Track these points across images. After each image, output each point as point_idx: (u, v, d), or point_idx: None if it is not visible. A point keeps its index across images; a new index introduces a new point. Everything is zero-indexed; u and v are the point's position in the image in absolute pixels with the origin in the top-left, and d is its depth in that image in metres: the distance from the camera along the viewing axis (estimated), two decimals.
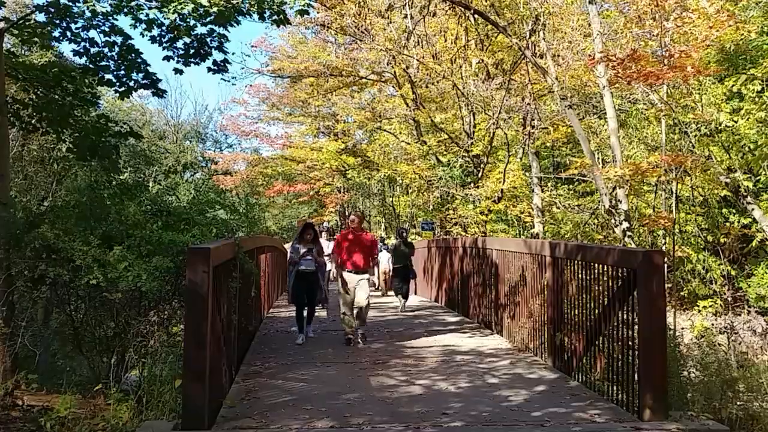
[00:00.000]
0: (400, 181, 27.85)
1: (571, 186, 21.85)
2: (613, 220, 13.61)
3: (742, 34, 12.42)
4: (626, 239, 12.48)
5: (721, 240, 14.39)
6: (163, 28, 9.10)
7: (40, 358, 7.18)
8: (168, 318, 7.09)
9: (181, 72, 9.80)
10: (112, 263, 6.64)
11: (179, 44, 9.37)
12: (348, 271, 8.84)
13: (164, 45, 9.34)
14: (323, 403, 5.81)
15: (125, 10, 8.61)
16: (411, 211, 28.65)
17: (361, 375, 7.00)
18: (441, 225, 23.16)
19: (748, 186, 13.59)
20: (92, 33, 9.27)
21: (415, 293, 16.18)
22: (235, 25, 8.90)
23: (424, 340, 9.22)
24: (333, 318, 11.31)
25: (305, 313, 9.23)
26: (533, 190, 20.57)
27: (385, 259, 15.23)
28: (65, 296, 7.37)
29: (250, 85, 33.58)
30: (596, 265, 6.24)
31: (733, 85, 13.25)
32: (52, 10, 8.77)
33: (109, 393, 5.73)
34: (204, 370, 4.98)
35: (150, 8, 8.61)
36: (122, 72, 9.64)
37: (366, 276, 8.93)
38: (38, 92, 9.70)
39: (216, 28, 9.13)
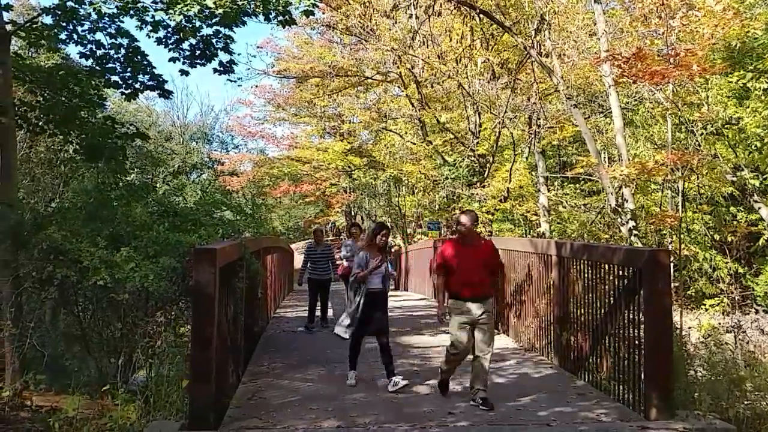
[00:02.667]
0: (406, 181, 27.83)
1: (577, 185, 21.81)
2: (619, 219, 13.57)
3: (748, 32, 12.36)
4: (632, 238, 12.44)
5: (729, 238, 14.31)
6: (169, 29, 9.16)
7: (48, 359, 7.22)
8: (175, 319, 7.12)
9: (187, 73, 9.86)
10: (119, 264, 6.68)
11: (185, 45, 9.42)
12: (463, 299, 5.86)
13: (170, 46, 9.39)
14: (329, 403, 5.83)
15: (131, 12, 8.66)
16: (417, 210, 28.64)
17: (367, 375, 7.00)
18: (447, 225, 23.16)
19: (754, 184, 13.54)
20: (98, 35, 9.36)
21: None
22: (240, 26, 8.94)
23: (431, 339, 9.21)
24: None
25: (355, 343, 6.87)
26: (539, 190, 20.53)
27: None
28: (73, 297, 7.41)
29: (256, 86, 33.80)
30: (602, 264, 6.23)
31: (738, 80, 13.20)
32: (59, 12, 8.83)
33: (117, 393, 5.77)
34: (210, 371, 5.00)
35: (156, 10, 8.65)
36: (128, 74, 9.70)
37: (488, 306, 5.88)
38: (45, 94, 9.75)
39: (221, 29, 9.17)
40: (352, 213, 38.26)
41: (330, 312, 11.79)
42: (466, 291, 5.83)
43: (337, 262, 10.58)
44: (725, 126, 13.78)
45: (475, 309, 5.80)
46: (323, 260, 10.34)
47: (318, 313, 10.40)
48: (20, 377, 6.88)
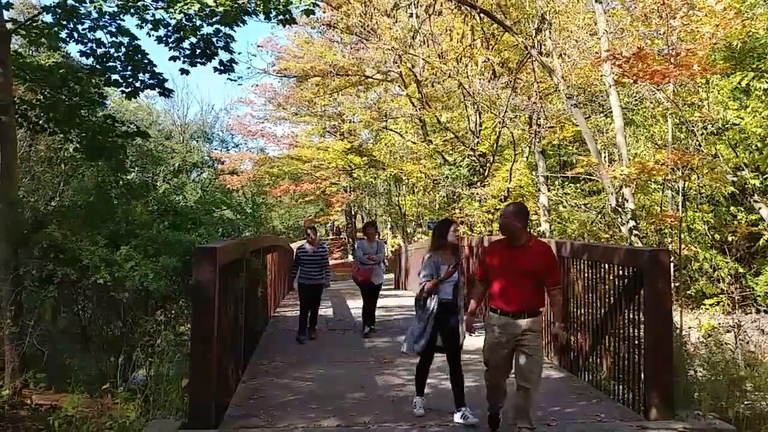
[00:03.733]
0: (406, 181, 27.83)
1: (577, 185, 21.78)
2: (619, 219, 13.56)
3: (749, 32, 12.35)
4: (633, 238, 12.43)
5: (729, 238, 14.31)
6: (170, 28, 9.16)
7: (47, 357, 7.22)
8: (175, 317, 7.12)
9: (187, 72, 9.84)
10: (118, 263, 6.69)
11: (185, 44, 9.41)
12: (496, 313, 4.84)
13: (171, 45, 9.38)
14: (329, 402, 5.83)
15: (131, 10, 8.66)
16: (417, 210, 28.63)
17: (367, 374, 7.01)
18: None
19: (755, 184, 13.52)
20: (99, 34, 9.35)
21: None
22: (241, 24, 8.93)
23: None
24: (339, 318, 11.33)
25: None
26: (539, 189, 20.50)
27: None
28: (73, 296, 7.42)
29: (256, 85, 33.79)
30: (602, 264, 6.23)
31: (740, 81, 13.19)
32: (59, 10, 8.82)
33: (117, 392, 5.77)
34: (211, 370, 5.00)
35: (156, 9, 8.66)
36: (129, 72, 9.69)
37: (535, 324, 4.79)
38: (45, 93, 9.75)
39: (222, 28, 9.17)
40: (353, 212, 38.23)
41: (330, 312, 11.77)
42: (500, 302, 4.80)
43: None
44: (726, 126, 13.77)
45: (512, 326, 4.73)
46: (316, 263, 9.42)
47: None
48: (20, 376, 6.88)
